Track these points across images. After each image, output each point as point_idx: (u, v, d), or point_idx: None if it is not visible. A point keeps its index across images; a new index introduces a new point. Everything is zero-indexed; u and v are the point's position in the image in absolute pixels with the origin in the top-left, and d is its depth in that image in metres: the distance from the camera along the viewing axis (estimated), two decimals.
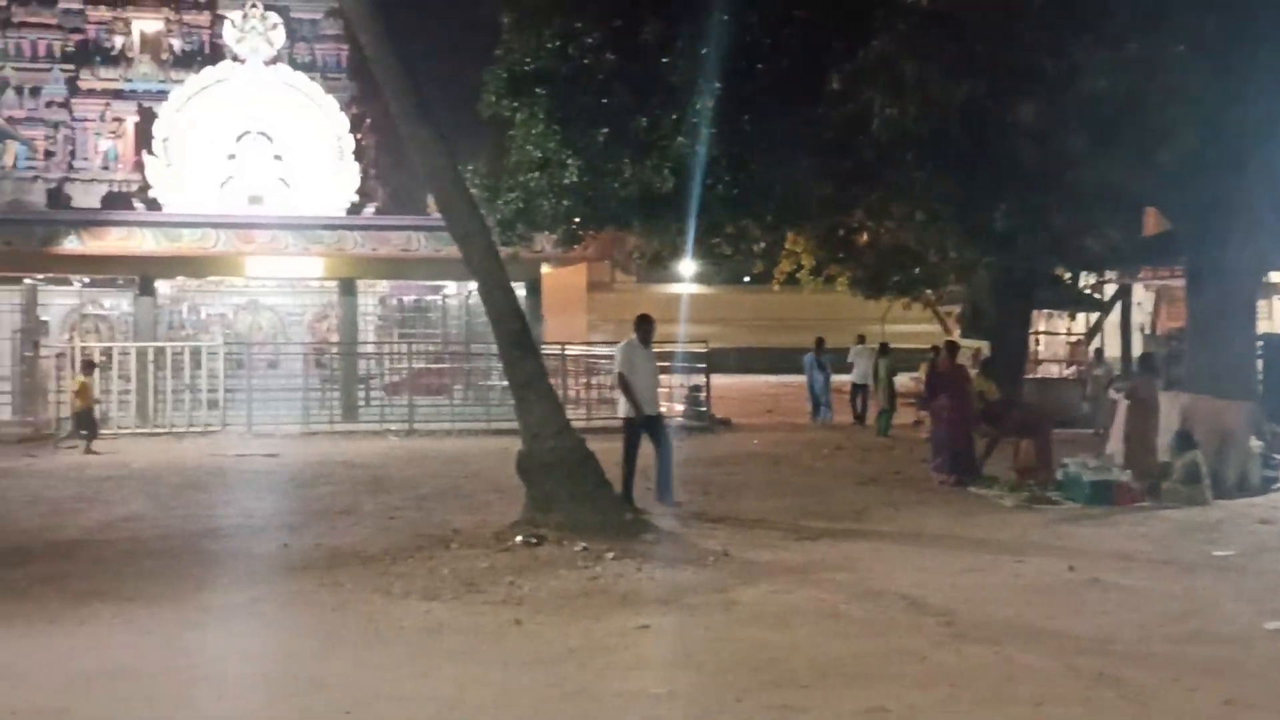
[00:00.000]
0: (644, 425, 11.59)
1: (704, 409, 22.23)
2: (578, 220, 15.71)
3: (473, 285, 27.02)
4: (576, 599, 7.87)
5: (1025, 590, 8.10)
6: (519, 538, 9.66)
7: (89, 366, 18.89)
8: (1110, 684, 5.89)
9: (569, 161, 14.65)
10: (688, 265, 38.61)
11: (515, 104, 15.17)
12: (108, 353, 20.39)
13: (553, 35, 14.97)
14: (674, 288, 47.60)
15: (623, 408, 11.68)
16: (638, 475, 11.52)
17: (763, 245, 21.04)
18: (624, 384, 11.49)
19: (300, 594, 8.00)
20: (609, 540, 9.58)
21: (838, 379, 23.80)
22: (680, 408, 22.42)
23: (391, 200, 30.71)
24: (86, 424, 17.88)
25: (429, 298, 28.71)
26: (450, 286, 27.50)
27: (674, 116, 13.58)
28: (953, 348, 15.23)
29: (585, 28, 14.89)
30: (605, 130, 14.29)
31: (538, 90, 14.67)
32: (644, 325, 11.84)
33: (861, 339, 23.89)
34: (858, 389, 22.70)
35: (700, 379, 22.76)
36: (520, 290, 24.91)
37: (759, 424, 23.21)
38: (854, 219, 21.67)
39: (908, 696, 5.69)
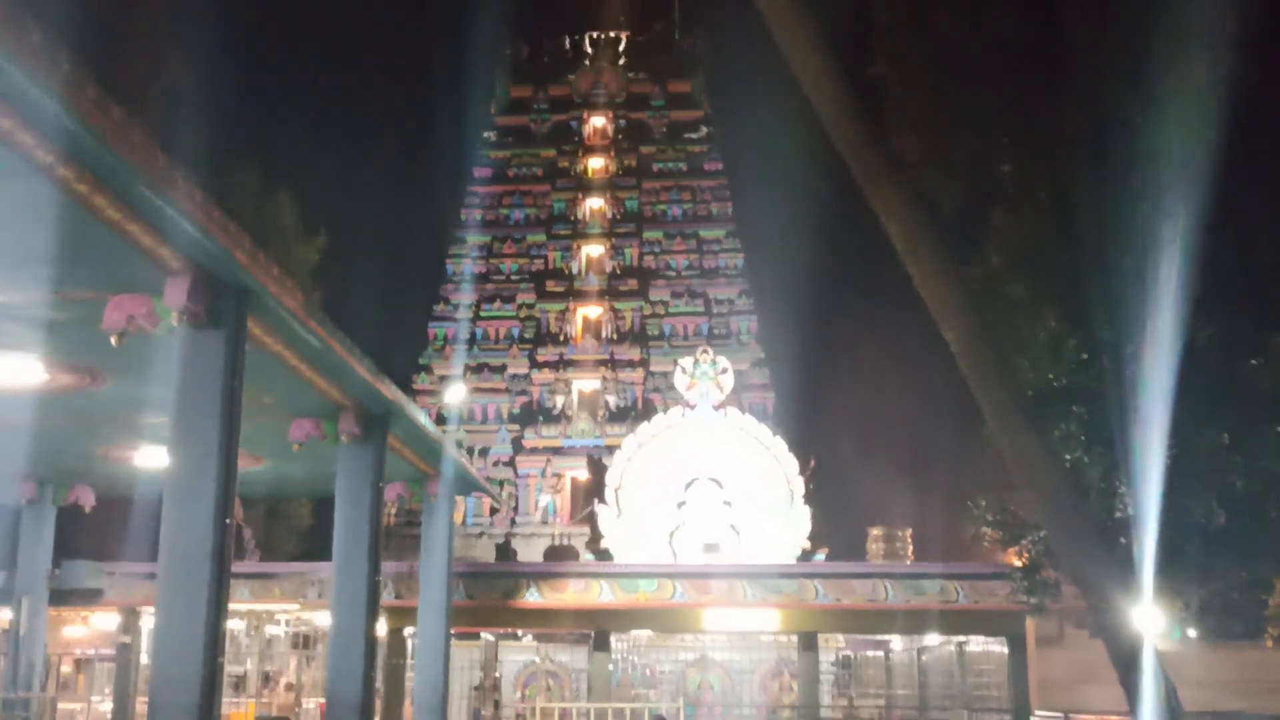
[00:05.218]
0: None
1: None
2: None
3: (928, 640, 24.63)
4: None
5: None
6: None
7: None
8: None
9: (1120, 491, 12.29)
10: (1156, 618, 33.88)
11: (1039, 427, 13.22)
12: (566, 714, 19.16)
13: (1079, 347, 13.17)
14: None
15: None
16: None
17: None
18: None
19: None
20: None
21: None
22: None
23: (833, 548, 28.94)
24: None
25: (870, 653, 26.24)
26: (896, 641, 24.93)
27: (1277, 427, 11.03)
28: None
29: (1109, 336, 12.98)
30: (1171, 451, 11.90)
31: (1073, 409, 12.66)
32: None
33: None
34: None
35: None
36: (999, 647, 22.19)
37: None
38: None
39: None
